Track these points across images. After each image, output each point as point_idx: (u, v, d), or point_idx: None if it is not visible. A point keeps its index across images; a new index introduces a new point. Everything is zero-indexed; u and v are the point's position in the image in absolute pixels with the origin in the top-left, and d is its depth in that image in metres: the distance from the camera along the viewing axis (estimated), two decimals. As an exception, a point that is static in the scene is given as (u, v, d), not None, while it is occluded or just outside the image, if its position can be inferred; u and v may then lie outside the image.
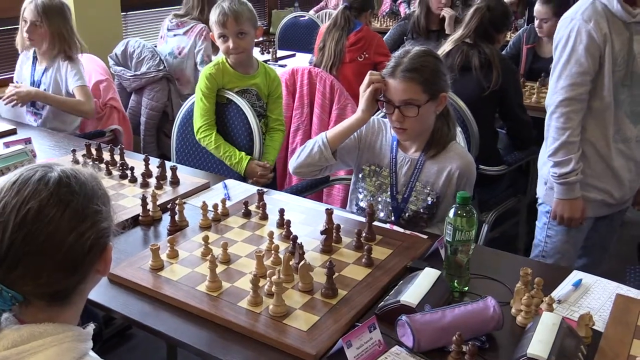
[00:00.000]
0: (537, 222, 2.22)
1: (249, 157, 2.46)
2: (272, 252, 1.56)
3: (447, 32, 3.91)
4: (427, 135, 1.91)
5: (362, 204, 2.01)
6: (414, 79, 1.78)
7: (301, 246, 1.55)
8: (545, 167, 2.10)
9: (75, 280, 0.95)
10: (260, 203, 1.86)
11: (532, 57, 3.65)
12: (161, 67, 3.58)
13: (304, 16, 5.29)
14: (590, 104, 1.98)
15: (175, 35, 3.72)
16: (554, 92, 1.99)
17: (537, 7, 3.33)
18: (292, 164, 1.98)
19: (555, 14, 3.26)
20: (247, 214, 1.85)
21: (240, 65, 2.58)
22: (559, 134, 1.98)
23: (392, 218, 1.94)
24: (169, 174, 2.12)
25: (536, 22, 3.36)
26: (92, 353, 0.98)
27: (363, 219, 1.83)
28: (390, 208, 1.95)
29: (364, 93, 1.85)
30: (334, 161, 1.93)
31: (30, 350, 0.90)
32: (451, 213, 1.46)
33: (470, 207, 1.45)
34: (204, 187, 2.09)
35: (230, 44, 2.48)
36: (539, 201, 2.21)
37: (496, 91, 2.67)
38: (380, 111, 2.07)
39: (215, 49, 3.66)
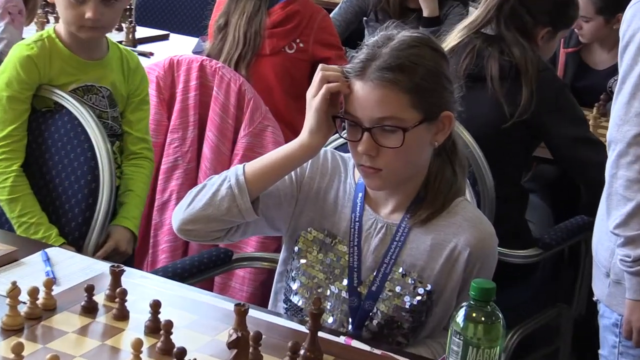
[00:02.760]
0: (600, 350, 2.28)
1: (62, 240, 2.49)
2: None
3: (424, 12, 4.13)
4: (416, 183, 1.98)
5: (298, 300, 2.03)
6: (398, 83, 1.85)
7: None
8: (606, 246, 2.20)
9: None
10: (116, 290, 1.87)
11: (576, 67, 3.88)
12: None
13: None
14: None
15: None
16: (624, 122, 2.08)
17: None
18: (179, 213, 2.01)
19: (600, 11, 3.50)
20: (91, 309, 1.85)
21: (82, 46, 2.63)
22: (633, 191, 2.06)
23: (350, 327, 1.97)
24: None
25: (575, 22, 3.61)
26: None
27: (300, 327, 1.85)
28: (347, 308, 1.98)
29: (313, 102, 1.92)
30: (253, 217, 1.97)
31: None
32: (460, 317, 1.50)
33: (494, 308, 1.52)
34: (9, 260, 2.07)
35: (89, 11, 2.51)
36: (600, 308, 2.28)
37: (527, 122, 2.81)
38: (337, 136, 2.13)
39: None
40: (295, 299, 2.05)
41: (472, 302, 1.52)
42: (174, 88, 3.09)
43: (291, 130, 3.34)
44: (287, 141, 3.06)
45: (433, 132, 1.93)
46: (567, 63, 3.86)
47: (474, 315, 1.51)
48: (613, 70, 3.49)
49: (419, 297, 1.95)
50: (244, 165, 1.98)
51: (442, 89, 1.92)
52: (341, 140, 2.40)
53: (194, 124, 3.07)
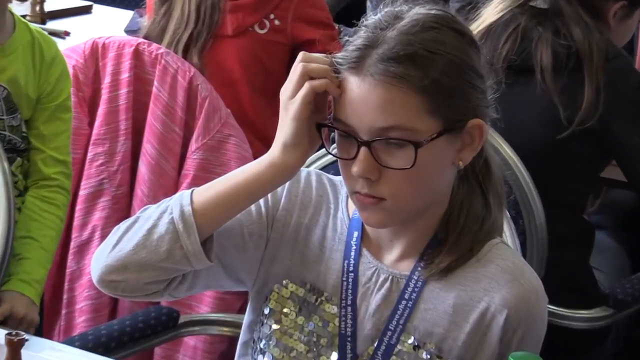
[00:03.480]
0: None
1: None
2: None
3: None
4: (433, 218, 1.96)
5: None
6: (409, 79, 1.81)
7: None
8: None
9: None
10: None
11: None
12: None
13: None
14: None
15: None
16: None
17: None
18: (102, 257, 1.96)
19: None
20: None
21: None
22: None
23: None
24: None
25: None
26: None
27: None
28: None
29: (290, 106, 1.90)
30: (203, 264, 1.94)
31: None
32: None
33: None
34: None
35: None
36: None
37: (592, 130, 2.80)
38: (324, 151, 2.15)
39: None
40: None
41: None
42: (98, 83, 3.10)
43: (262, 141, 3.35)
44: (255, 157, 3.09)
45: (457, 147, 1.90)
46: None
47: None
48: None
49: None
50: (192, 192, 1.95)
51: (470, 88, 1.89)
52: (329, 158, 2.41)
53: (126, 132, 3.07)
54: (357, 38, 1.89)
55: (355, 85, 1.84)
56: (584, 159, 2.90)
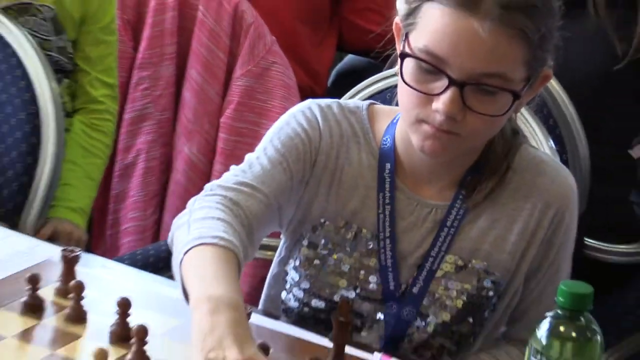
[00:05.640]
0: None
1: None
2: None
3: None
4: (475, 153, 2.02)
5: (298, 304, 2.07)
6: (524, 33, 1.81)
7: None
8: None
9: None
10: (70, 284, 1.92)
11: None
12: None
13: None
14: None
15: None
16: None
17: None
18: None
19: None
20: (36, 308, 1.89)
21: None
22: None
23: (383, 342, 2.03)
24: None
25: None
26: None
27: (316, 338, 1.93)
28: (381, 319, 2.04)
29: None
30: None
31: None
32: (542, 331, 1.52)
33: (589, 321, 1.57)
34: None
35: None
36: None
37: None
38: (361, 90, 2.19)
39: None
40: (295, 303, 2.09)
41: (559, 311, 1.52)
42: (143, 6, 3.12)
43: (305, 70, 3.39)
44: (299, 85, 3.13)
45: (529, 94, 1.96)
46: None
47: (562, 329, 1.52)
48: None
49: (481, 293, 2.00)
50: (185, 253, 1.78)
51: (552, 37, 1.91)
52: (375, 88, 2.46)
53: (171, 57, 3.10)
54: None
55: (463, 22, 1.80)
56: (633, 93, 2.91)
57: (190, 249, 1.75)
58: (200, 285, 1.69)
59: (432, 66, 1.82)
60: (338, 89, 3.12)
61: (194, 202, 1.89)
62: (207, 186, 1.94)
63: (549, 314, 1.56)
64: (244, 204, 1.89)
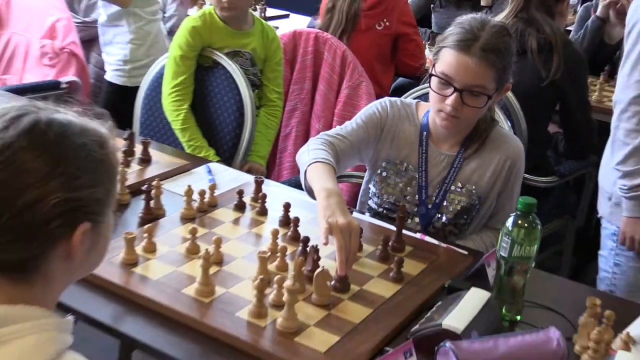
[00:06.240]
0: (600, 251, 2.30)
1: (218, 158, 2.53)
2: (278, 254, 1.62)
3: (482, 2, 4.01)
4: (469, 128, 1.99)
5: (376, 206, 2.05)
6: (494, 64, 1.82)
7: (316, 250, 1.60)
8: (610, 178, 2.20)
9: (31, 254, 0.96)
10: (259, 194, 1.92)
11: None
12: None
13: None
14: None
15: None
16: (626, 87, 2.08)
17: None
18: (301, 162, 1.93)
19: None
20: (241, 207, 1.90)
21: (232, 19, 2.65)
22: (631, 138, 2.08)
23: (421, 227, 2.00)
24: (137, 149, 2.16)
25: None
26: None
27: (386, 224, 1.90)
28: (419, 215, 2.01)
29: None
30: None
31: (1, 336, 0.91)
32: (509, 222, 1.52)
33: (534, 217, 1.52)
34: (183, 170, 2.13)
35: None
36: (603, 222, 2.29)
37: (556, 82, 2.73)
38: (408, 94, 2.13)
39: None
40: (376, 206, 2.06)
41: (518, 212, 1.53)
42: (296, 51, 3.09)
43: (378, 85, 3.37)
44: (376, 93, 3.07)
45: (498, 96, 1.94)
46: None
47: (519, 222, 1.53)
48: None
49: (471, 201, 1.97)
50: (307, 170, 1.82)
51: (511, 68, 1.91)
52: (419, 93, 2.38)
53: (310, 78, 3.07)
54: (455, 30, 1.86)
55: (462, 59, 1.82)
56: (550, 100, 2.83)
57: (310, 164, 1.81)
58: (318, 183, 1.73)
59: (445, 81, 1.86)
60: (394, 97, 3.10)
61: (310, 141, 1.95)
62: (320, 134, 1.99)
63: (513, 214, 1.57)
64: (336, 144, 1.93)
